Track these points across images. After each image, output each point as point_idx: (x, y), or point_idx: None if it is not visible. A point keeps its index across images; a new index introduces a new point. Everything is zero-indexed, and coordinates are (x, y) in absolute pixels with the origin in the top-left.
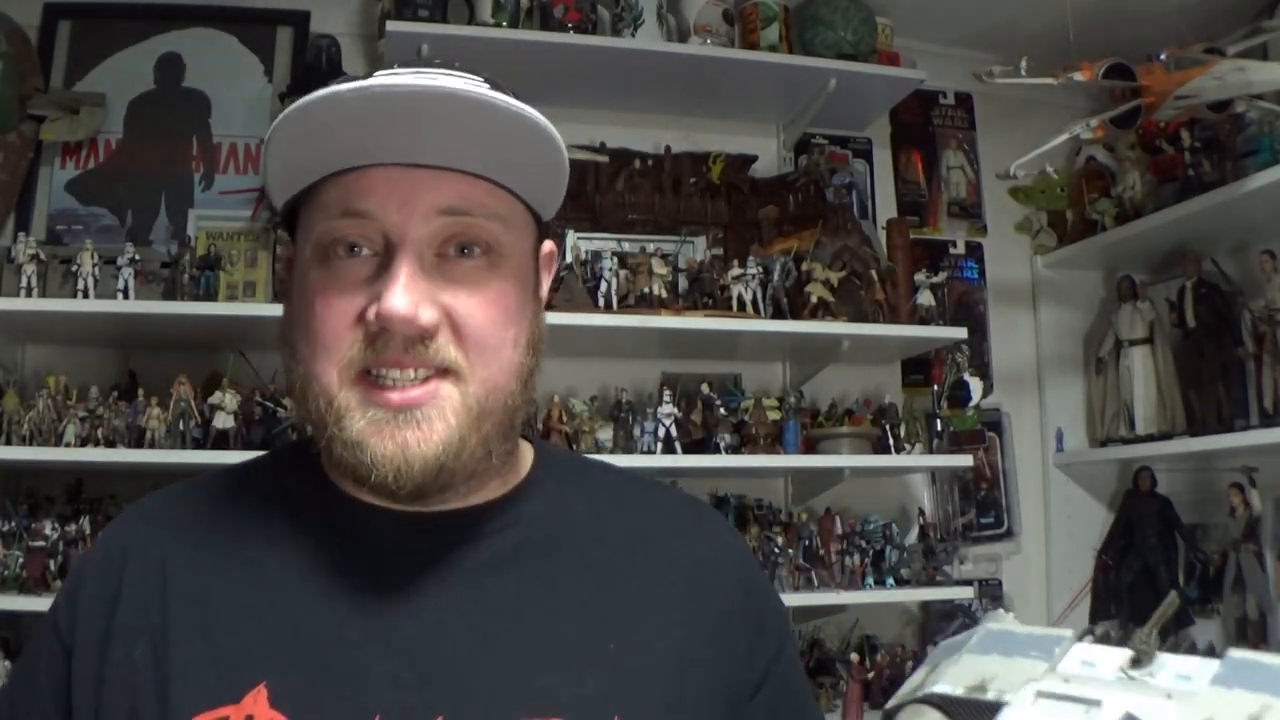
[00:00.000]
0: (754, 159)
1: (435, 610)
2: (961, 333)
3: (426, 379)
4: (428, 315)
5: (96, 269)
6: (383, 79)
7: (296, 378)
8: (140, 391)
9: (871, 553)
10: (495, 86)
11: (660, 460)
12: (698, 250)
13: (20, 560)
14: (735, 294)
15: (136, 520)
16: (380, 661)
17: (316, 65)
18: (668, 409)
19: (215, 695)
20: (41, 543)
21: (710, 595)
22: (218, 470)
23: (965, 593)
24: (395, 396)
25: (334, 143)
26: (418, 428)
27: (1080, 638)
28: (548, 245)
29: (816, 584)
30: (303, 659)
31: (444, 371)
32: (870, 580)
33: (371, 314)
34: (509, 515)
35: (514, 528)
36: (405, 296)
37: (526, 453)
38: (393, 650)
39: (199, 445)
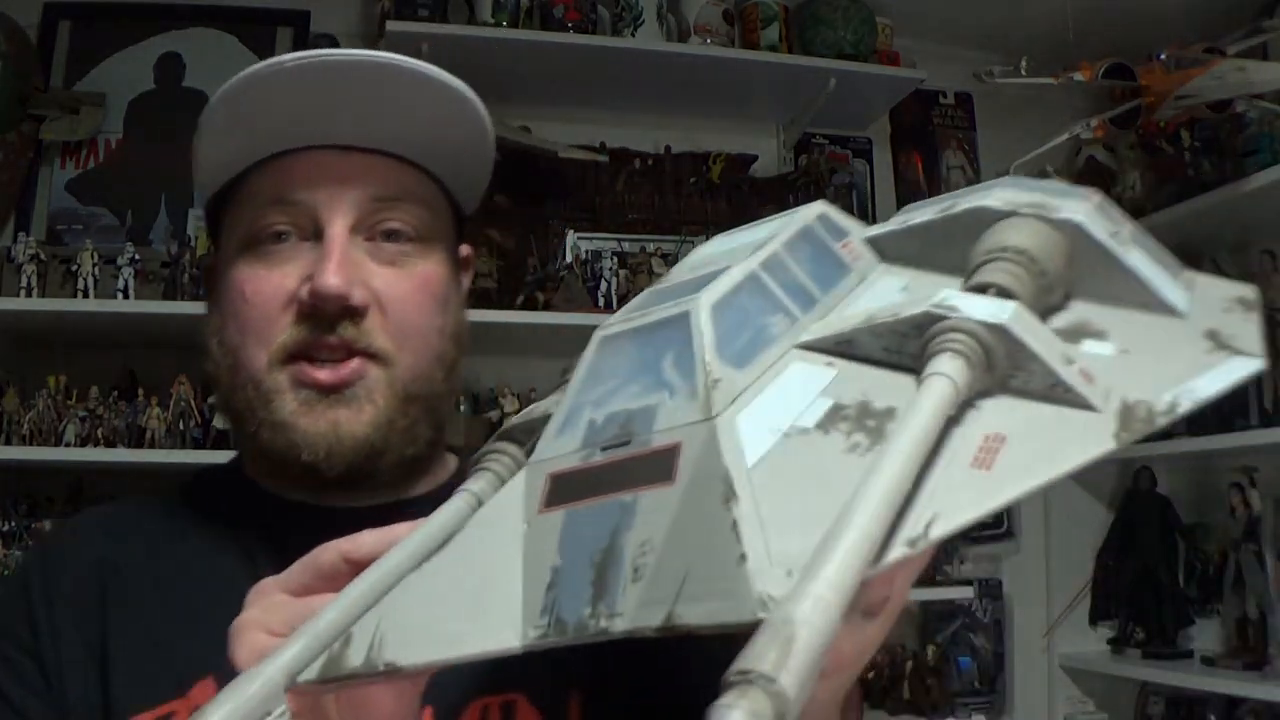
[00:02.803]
0: (754, 159)
1: None
2: None
3: (353, 358)
4: (360, 295)
5: (96, 269)
6: (319, 52)
7: (222, 369)
8: (140, 391)
9: None
10: None
11: None
12: None
13: (20, 560)
14: None
15: (66, 535)
16: None
17: None
18: None
19: (160, 690)
20: None
21: None
22: (144, 493)
23: (965, 593)
24: (325, 376)
25: (262, 128)
26: (347, 407)
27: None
28: (465, 248)
29: None
30: None
31: (371, 356)
32: None
33: (304, 292)
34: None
35: None
36: (338, 275)
37: (451, 462)
38: None
39: (199, 445)
